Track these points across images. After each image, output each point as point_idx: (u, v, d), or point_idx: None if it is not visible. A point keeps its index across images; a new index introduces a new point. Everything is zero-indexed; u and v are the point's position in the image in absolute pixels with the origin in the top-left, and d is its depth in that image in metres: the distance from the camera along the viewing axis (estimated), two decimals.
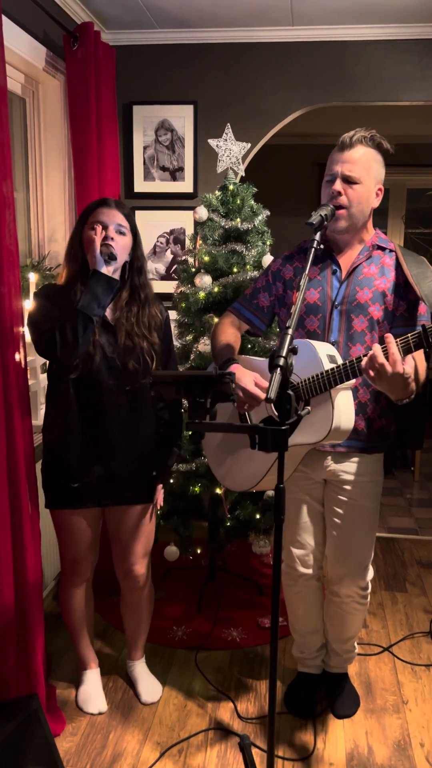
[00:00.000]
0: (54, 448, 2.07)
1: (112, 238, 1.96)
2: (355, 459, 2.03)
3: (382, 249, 1.99)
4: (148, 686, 2.35)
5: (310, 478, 2.09)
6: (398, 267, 1.96)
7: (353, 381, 1.79)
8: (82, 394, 2.01)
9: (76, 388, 2.01)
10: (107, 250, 1.93)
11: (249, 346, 2.76)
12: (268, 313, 2.13)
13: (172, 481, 2.82)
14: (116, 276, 1.99)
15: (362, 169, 1.87)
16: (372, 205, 1.93)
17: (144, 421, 2.10)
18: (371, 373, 1.66)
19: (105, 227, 1.96)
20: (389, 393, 1.75)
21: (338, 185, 1.87)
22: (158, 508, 2.23)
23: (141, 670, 2.40)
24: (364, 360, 1.67)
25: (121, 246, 1.99)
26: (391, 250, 2.00)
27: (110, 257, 1.93)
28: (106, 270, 1.93)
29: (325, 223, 1.80)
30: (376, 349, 1.64)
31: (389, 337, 1.63)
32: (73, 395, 2.01)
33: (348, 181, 1.86)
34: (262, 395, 1.81)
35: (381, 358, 1.62)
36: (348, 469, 2.03)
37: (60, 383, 2.02)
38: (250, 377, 1.85)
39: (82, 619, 2.29)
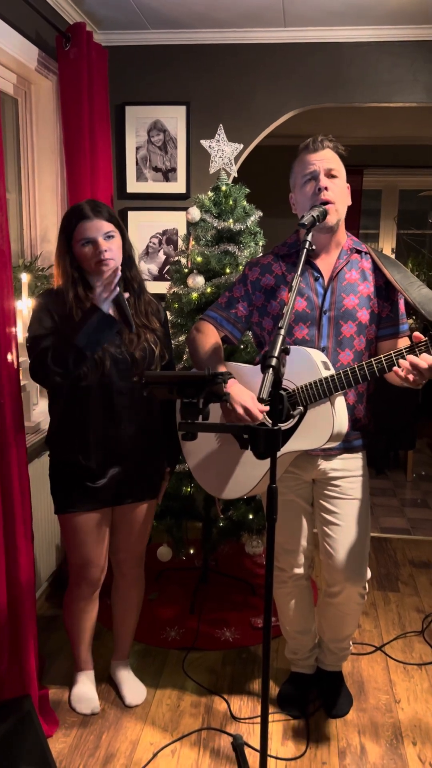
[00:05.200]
0: (67, 455, 2.05)
1: (107, 250, 1.93)
2: (343, 456, 2.05)
3: (359, 252, 2.03)
4: (132, 688, 2.34)
5: (299, 478, 2.10)
6: (376, 270, 2.00)
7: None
8: (93, 398, 2.00)
9: (86, 394, 1.99)
10: (115, 296, 1.92)
11: (242, 346, 2.76)
12: (246, 322, 2.12)
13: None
14: (118, 273, 1.97)
15: (338, 165, 1.94)
16: (348, 201, 1.98)
17: (152, 417, 2.12)
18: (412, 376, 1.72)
19: (95, 242, 1.93)
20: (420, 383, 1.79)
21: (324, 180, 1.90)
22: (158, 503, 2.28)
23: (124, 673, 2.38)
24: (403, 371, 1.72)
25: (116, 248, 1.98)
26: (366, 253, 2.04)
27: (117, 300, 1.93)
28: (109, 308, 1.92)
29: (318, 223, 1.81)
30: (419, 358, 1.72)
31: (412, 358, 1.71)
32: (84, 401, 2.00)
33: (330, 175, 1.91)
34: (261, 416, 1.81)
35: (424, 363, 1.70)
36: (337, 466, 2.05)
37: (67, 391, 2.00)
38: (248, 395, 1.84)
39: (86, 628, 2.27)
